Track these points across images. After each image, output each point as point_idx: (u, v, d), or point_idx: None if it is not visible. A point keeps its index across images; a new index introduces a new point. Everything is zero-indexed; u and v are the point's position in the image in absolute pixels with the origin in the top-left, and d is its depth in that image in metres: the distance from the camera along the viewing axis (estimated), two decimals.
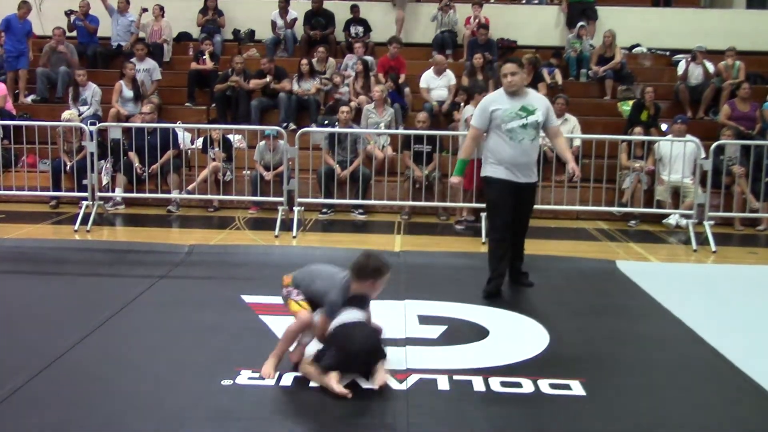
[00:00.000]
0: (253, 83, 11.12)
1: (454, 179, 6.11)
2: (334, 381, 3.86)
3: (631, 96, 11.47)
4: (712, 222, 8.21)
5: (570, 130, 10.04)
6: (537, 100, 5.88)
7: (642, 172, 9.31)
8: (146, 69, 11.39)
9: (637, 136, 9.53)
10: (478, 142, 5.99)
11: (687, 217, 8.55)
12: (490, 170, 5.84)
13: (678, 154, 9.04)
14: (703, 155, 8.66)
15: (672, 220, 9.20)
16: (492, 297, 5.81)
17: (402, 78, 11.56)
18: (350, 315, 4.10)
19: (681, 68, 11.98)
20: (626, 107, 11.23)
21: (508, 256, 5.95)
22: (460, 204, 8.84)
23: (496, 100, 5.82)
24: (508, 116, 5.68)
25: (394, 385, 3.99)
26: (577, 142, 9.79)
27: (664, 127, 10.56)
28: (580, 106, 11.09)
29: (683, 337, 5.02)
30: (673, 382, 4.24)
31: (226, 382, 3.98)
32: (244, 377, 4.05)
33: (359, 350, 4.00)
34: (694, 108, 11.62)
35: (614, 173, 9.31)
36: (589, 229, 9.06)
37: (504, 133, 5.70)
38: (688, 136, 9.10)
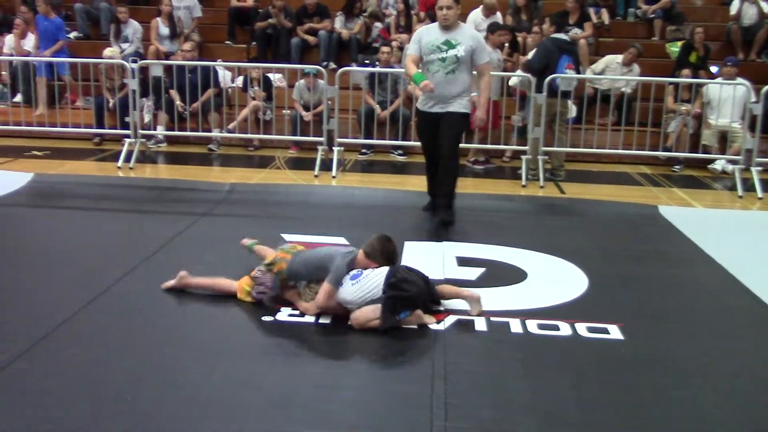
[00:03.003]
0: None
1: (423, 84, 5.72)
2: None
3: (681, 37, 11.12)
4: (759, 168, 8.02)
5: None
6: (465, 35, 5.92)
7: (688, 116, 9.09)
8: (186, 6, 11.33)
9: (685, 78, 9.28)
10: (416, 64, 5.97)
11: (734, 162, 8.36)
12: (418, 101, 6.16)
13: (727, 98, 8.80)
14: (754, 99, 8.39)
15: (718, 165, 9.00)
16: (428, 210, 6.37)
17: None
18: (375, 273, 4.07)
19: (734, 8, 11.54)
20: (675, 48, 10.90)
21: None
22: (491, 145, 8.74)
23: (425, 33, 5.99)
24: (429, 49, 5.89)
25: (432, 325, 4.02)
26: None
27: (713, 69, 10.26)
28: (627, 47, 10.79)
29: (725, 284, 4.96)
30: (713, 329, 4.21)
31: (266, 319, 4.05)
32: (284, 314, 4.12)
33: (419, 292, 4.03)
34: (747, 49, 11.24)
35: (660, 116, 9.10)
36: (632, 173, 8.91)
37: (425, 65, 5.94)
38: (739, 79, 8.83)
